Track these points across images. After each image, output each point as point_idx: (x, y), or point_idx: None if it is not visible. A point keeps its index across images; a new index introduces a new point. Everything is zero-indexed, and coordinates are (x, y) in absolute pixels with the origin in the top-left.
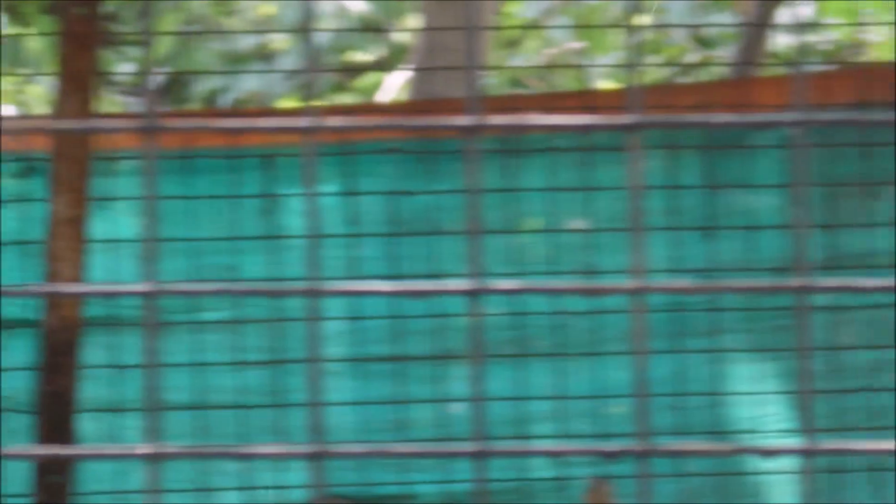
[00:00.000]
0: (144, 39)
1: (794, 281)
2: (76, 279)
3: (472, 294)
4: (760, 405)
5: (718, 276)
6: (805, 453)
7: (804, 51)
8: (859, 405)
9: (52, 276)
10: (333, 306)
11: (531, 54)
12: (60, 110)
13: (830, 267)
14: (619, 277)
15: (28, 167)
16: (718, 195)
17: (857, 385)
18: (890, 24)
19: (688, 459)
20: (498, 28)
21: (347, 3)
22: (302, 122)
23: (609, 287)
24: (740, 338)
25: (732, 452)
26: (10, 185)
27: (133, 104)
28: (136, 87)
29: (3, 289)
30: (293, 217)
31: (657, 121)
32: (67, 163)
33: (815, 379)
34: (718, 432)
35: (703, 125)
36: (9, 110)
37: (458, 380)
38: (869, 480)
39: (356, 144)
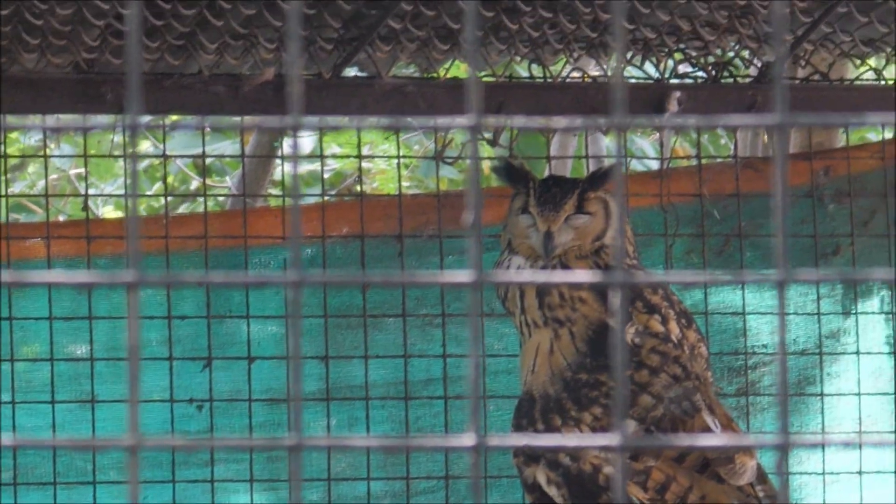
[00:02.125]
0: None
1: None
2: None
3: None
4: None
5: (217, 406)
6: None
7: (307, 181)
8: None
9: None
10: None
11: (34, 180)
12: None
13: (330, 399)
14: (117, 407)
15: None
16: (218, 324)
17: None
18: (392, 156)
19: None
20: None
21: None
22: None
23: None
24: (235, 468)
25: None
26: None
27: None
28: None
29: None
30: None
31: (154, 280)
32: None
33: None
34: None
35: (202, 283)
36: None
37: None
38: None
39: None
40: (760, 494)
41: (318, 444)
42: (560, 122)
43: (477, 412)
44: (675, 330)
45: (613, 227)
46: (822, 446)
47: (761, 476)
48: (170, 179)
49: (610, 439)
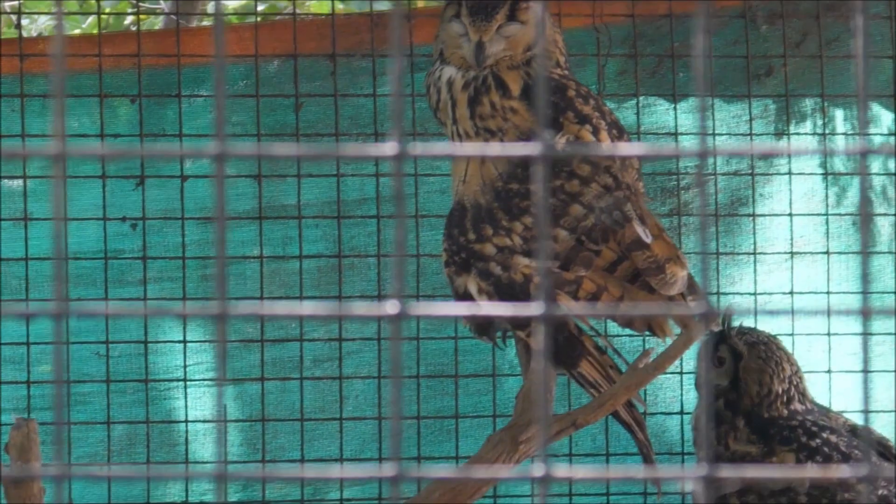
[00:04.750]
0: None
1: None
2: None
3: None
4: (190, 354)
5: (150, 224)
6: None
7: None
8: (291, 355)
9: None
10: None
11: None
12: None
13: (263, 217)
14: (51, 226)
15: None
16: (151, 142)
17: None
18: None
19: (116, 408)
20: None
21: None
22: None
23: None
24: (170, 286)
25: None
26: None
27: None
28: None
29: None
30: None
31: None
32: None
33: (242, 327)
34: (147, 380)
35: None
36: None
37: None
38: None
39: None
40: (692, 305)
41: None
42: None
43: (402, 277)
44: (606, 140)
45: (546, 37)
46: (755, 267)
47: (692, 286)
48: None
49: (532, 309)
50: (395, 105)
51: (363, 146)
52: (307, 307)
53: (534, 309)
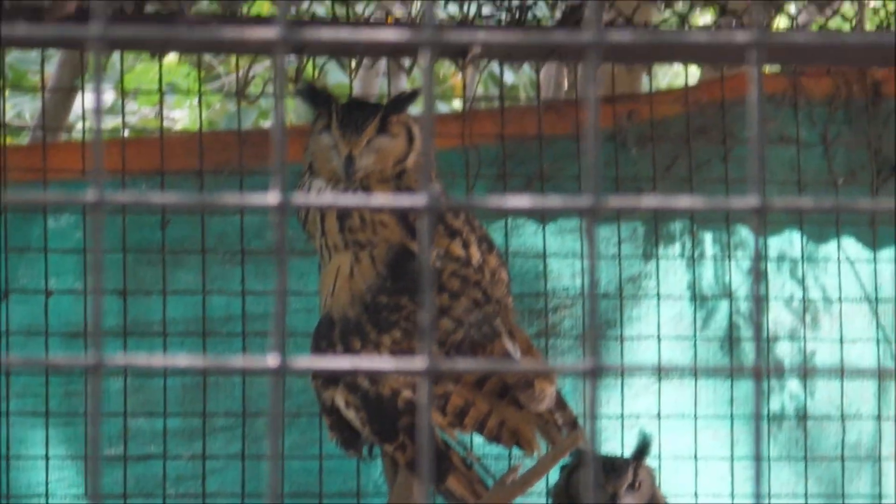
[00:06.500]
0: None
1: (91, 356)
2: None
3: None
4: (53, 470)
5: (14, 340)
6: None
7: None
8: (154, 472)
9: None
10: None
11: None
12: None
13: (127, 333)
14: None
15: None
16: (17, 258)
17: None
18: (192, 93)
19: None
20: None
21: None
22: None
23: None
24: (32, 402)
25: None
26: None
27: None
28: None
29: None
30: None
31: None
32: None
33: (106, 444)
34: (9, 497)
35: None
36: None
37: None
38: None
39: None
40: (560, 421)
41: (116, 363)
42: (371, 32)
43: (282, 331)
44: (476, 255)
45: (416, 150)
46: (622, 390)
47: (560, 403)
48: None
49: (417, 363)
50: (279, 148)
51: (245, 195)
52: (182, 358)
53: (418, 363)
